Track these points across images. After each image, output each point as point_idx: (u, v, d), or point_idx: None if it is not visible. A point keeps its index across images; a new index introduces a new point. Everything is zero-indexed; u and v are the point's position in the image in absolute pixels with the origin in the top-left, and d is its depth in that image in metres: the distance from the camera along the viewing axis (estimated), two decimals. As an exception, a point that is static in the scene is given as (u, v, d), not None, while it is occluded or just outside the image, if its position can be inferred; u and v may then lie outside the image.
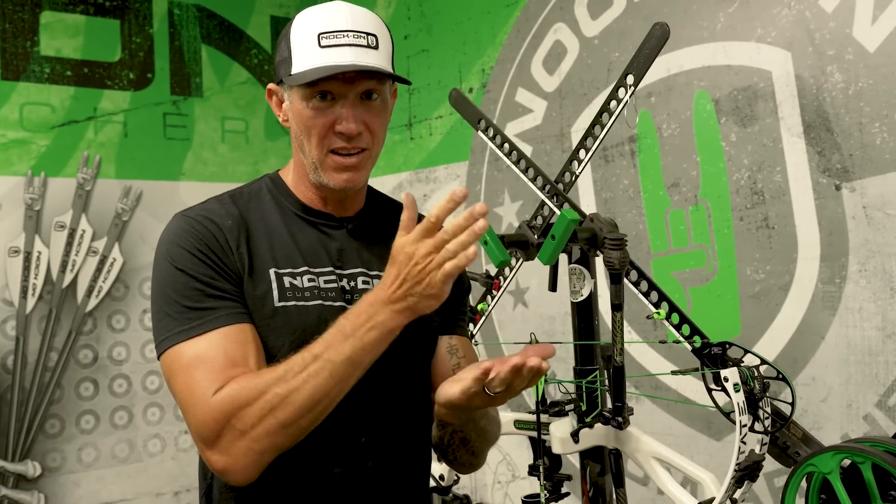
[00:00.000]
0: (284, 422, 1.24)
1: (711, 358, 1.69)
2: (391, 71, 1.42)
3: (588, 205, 3.05)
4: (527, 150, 3.29)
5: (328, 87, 1.38)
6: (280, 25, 4.53)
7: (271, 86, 1.48)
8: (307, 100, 1.39)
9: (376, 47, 1.41)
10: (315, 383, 1.24)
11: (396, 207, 1.63)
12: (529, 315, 3.31)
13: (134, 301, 4.05)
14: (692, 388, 2.69)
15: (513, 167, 2.19)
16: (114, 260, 3.98)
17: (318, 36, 1.39)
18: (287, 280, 1.42)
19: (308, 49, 1.39)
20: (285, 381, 1.25)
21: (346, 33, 1.39)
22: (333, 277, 1.45)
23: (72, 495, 3.85)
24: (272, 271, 1.42)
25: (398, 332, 1.25)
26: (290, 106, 1.44)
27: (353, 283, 1.47)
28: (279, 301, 1.39)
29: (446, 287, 1.20)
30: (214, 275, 1.36)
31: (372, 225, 1.56)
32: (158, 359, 1.37)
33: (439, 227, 1.21)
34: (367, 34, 1.40)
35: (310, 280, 1.43)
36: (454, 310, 1.56)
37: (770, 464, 2.13)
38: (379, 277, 1.51)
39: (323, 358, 1.25)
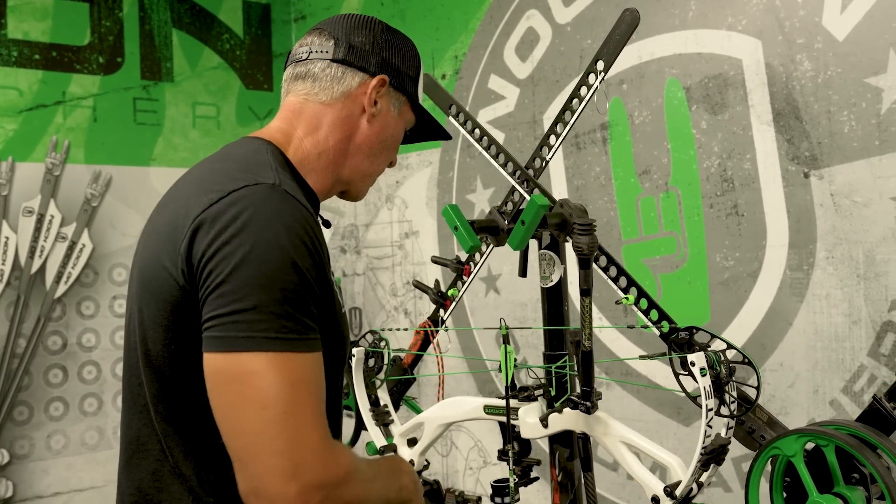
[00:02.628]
0: None
1: (679, 343, 1.70)
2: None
3: (560, 192, 3.06)
4: (499, 136, 3.29)
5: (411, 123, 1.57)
6: (252, 11, 4.50)
7: (387, 78, 1.48)
8: (403, 125, 1.53)
9: None
10: None
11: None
12: (501, 302, 3.31)
13: (103, 287, 4.02)
14: (662, 374, 2.71)
15: (483, 153, 2.19)
16: (83, 246, 3.95)
17: (422, 76, 1.59)
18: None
19: (418, 87, 1.56)
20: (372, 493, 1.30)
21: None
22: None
23: (41, 483, 3.82)
24: (331, 274, 1.34)
25: None
26: (396, 116, 1.51)
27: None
28: (342, 307, 1.41)
29: None
30: (321, 289, 1.23)
31: None
32: (235, 351, 1.14)
33: None
34: None
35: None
36: None
37: (739, 449, 2.15)
38: None
39: (381, 490, 1.36)
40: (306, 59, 1.47)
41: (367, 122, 1.46)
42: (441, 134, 1.67)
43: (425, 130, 1.65)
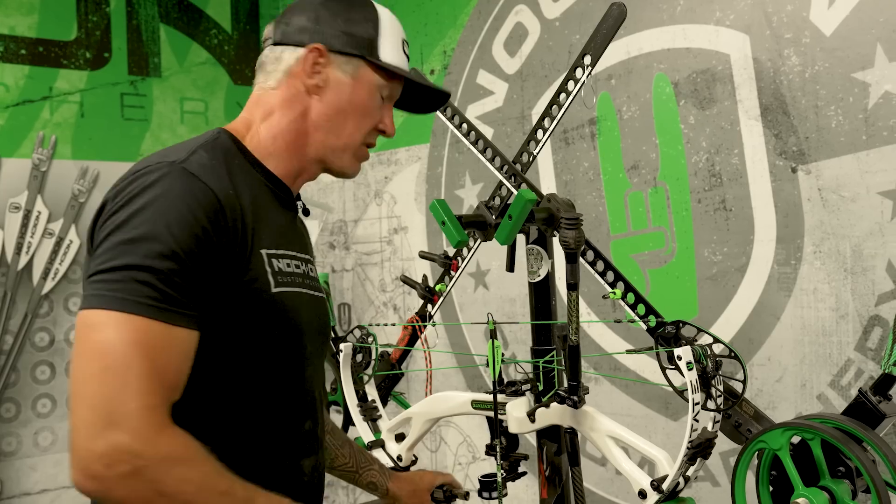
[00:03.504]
0: None
1: (665, 337, 1.70)
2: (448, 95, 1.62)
3: (548, 187, 3.06)
4: (488, 132, 3.29)
5: (396, 88, 1.49)
6: (240, 5, 4.49)
7: (321, 47, 1.41)
8: (376, 90, 1.45)
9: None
10: None
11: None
12: (490, 297, 3.31)
13: (91, 284, 4.00)
14: (650, 368, 2.71)
15: (471, 147, 2.19)
16: (70, 242, 3.93)
17: (402, 42, 1.49)
18: (275, 263, 1.33)
19: (395, 46, 1.47)
20: (220, 500, 1.15)
21: (406, 44, 1.53)
22: (298, 262, 1.41)
23: (28, 480, 3.81)
24: (264, 252, 1.31)
25: None
26: (350, 83, 1.42)
27: (307, 268, 1.45)
28: (275, 287, 1.31)
29: None
30: (204, 267, 1.19)
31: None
32: (87, 309, 1.14)
33: None
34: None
35: (287, 264, 1.36)
36: None
37: (726, 443, 2.16)
38: (314, 264, 1.54)
39: None
40: (261, 52, 1.49)
41: (316, 95, 1.42)
42: (437, 96, 1.61)
43: (418, 96, 1.59)
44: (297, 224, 1.51)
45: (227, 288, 1.23)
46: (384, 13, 1.49)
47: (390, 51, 1.45)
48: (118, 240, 1.16)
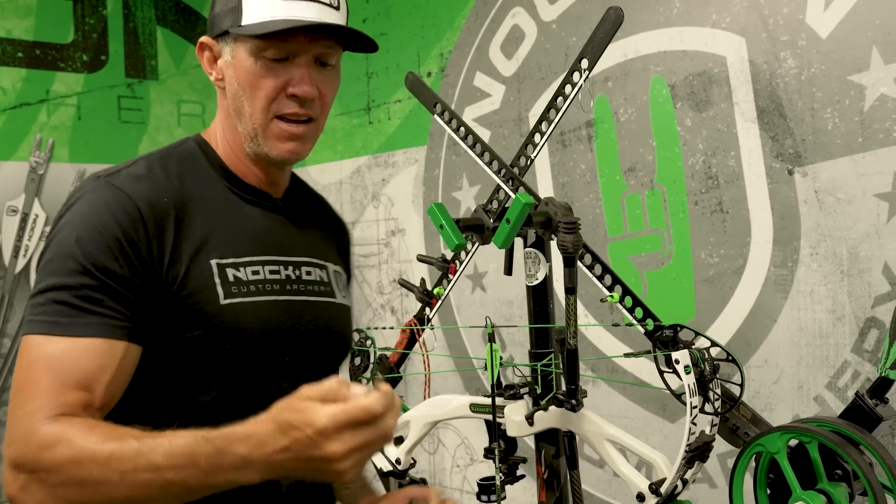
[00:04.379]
0: (84, 500, 1.07)
1: (663, 341, 1.71)
2: (359, 31, 1.30)
3: (546, 189, 3.07)
4: (485, 134, 3.29)
5: (286, 45, 1.25)
6: (237, 8, 4.49)
7: (205, 39, 1.33)
8: (256, 55, 1.25)
9: (338, 8, 1.31)
10: (134, 492, 1.05)
11: (315, 196, 1.56)
12: (488, 299, 3.32)
13: (89, 287, 4.00)
14: (647, 370, 2.72)
15: (469, 151, 2.19)
16: (68, 245, 3.93)
17: None
18: (230, 273, 1.26)
19: (241, 7, 1.25)
20: (107, 465, 1.05)
21: None
22: (277, 268, 1.33)
23: (26, 483, 3.80)
24: (213, 262, 1.25)
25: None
26: (231, 62, 1.28)
27: (297, 273, 1.36)
28: (224, 299, 1.23)
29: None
30: (117, 276, 1.16)
31: (301, 209, 1.45)
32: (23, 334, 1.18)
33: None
34: None
35: (254, 272, 1.29)
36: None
37: (724, 445, 2.17)
38: (324, 268, 1.43)
39: (159, 471, 1.04)
40: None
41: (221, 89, 1.33)
42: (362, 40, 1.34)
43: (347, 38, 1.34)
44: (288, 227, 1.40)
45: (162, 299, 1.20)
46: None
47: (259, 7, 1.24)
48: (42, 262, 1.19)
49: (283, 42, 1.25)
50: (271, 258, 1.33)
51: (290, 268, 1.35)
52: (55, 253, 1.18)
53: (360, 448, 0.99)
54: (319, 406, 0.99)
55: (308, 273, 1.39)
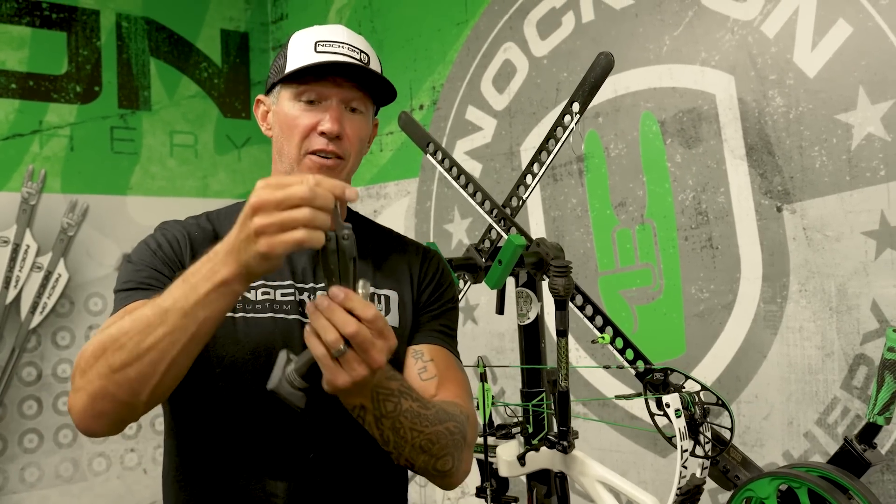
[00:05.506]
0: (113, 365, 1.16)
1: (654, 383, 1.72)
2: (382, 80, 1.44)
3: (537, 223, 3.08)
4: (477, 167, 3.31)
5: (317, 87, 1.42)
6: (230, 39, 4.52)
7: (260, 97, 1.52)
8: (294, 100, 1.43)
9: (367, 64, 1.46)
10: (147, 330, 1.15)
11: (376, 229, 1.64)
12: (479, 332, 3.32)
13: (79, 317, 3.99)
14: (639, 406, 2.72)
15: (461, 191, 2.20)
16: (59, 276, 3.92)
17: (315, 43, 1.44)
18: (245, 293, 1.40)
19: (304, 54, 1.43)
20: (122, 325, 1.18)
21: (341, 44, 1.44)
22: (292, 291, 1.42)
23: (15, 515, 3.78)
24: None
25: (234, 287, 1.12)
26: (276, 110, 1.47)
27: (312, 298, 1.43)
28: (235, 312, 1.38)
29: (283, 254, 1.07)
30: (155, 265, 1.38)
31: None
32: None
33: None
34: (361, 51, 1.45)
35: (264, 293, 1.41)
36: (430, 321, 1.53)
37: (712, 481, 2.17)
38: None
39: (161, 306, 1.15)
40: None
41: (270, 136, 1.50)
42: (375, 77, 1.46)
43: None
44: (304, 255, 1.48)
45: None
46: (296, 35, 1.49)
47: (297, 58, 1.44)
48: None
49: (313, 86, 1.42)
50: (286, 283, 1.42)
51: (306, 292, 1.43)
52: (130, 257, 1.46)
53: (279, 225, 1.04)
54: (260, 190, 1.07)
55: (297, 294, 1.44)
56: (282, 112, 1.45)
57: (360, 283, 1.11)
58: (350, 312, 1.09)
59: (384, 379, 1.22)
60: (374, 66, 1.48)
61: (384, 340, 1.11)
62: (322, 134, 1.41)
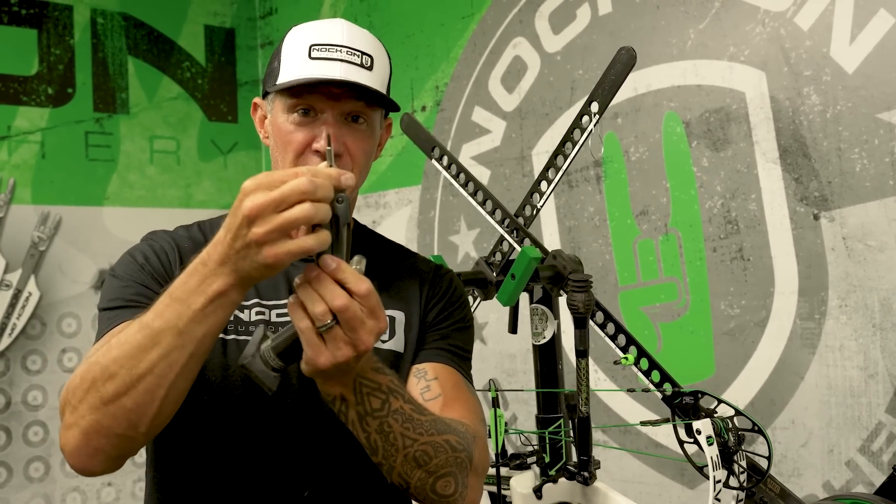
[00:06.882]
0: (104, 396, 1.14)
1: (683, 408, 1.71)
2: (382, 92, 1.41)
3: (551, 234, 3.08)
4: (485, 173, 3.31)
5: (311, 100, 1.38)
6: (215, 36, 4.53)
7: (256, 99, 1.51)
8: (288, 112, 1.40)
9: (370, 68, 1.42)
10: (138, 354, 1.13)
11: (383, 243, 1.64)
12: (488, 353, 3.32)
13: (52, 339, 3.99)
14: (664, 433, 2.71)
15: (470, 199, 2.20)
16: (29, 294, 3.93)
17: (310, 47, 1.40)
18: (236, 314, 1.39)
19: (297, 60, 1.40)
20: (108, 351, 1.16)
21: (339, 48, 1.39)
22: (285, 311, 1.39)
23: (-19, 557, 3.77)
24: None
25: (231, 297, 1.11)
26: (271, 119, 1.45)
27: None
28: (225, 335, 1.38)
29: (288, 260, 1.05)
30: (143, 280, 1.37)
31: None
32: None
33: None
34: (363, 53, 1.41)
35: (258, 313, 1.41)
36: (437, 340, 1.50)
37: (747, 516, 2.17)
38: None
39: (151, 326, 1.13)
40: None
41: (268, 144, 1.49)
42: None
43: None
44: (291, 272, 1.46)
45: None
46: (291, 32, 1.46)
47: (289, 65, 1.41)
48: None
49: (305, 98, 1.38)
50: (283, 302, 1.41)
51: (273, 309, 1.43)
52: (113, 272, 1.45)
53: (281, 230, 1.03)
54: (251, 193, 1.04)
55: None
56: (275, 124, 1.43)
57: (356, 258, 1.10)
58: (341, 285, 1.07)
59: (370, 370, 1.19)
60: (379, 67, 1.44)
61: (375, 321, 1.09)
62: (316, 152, 1.38)
